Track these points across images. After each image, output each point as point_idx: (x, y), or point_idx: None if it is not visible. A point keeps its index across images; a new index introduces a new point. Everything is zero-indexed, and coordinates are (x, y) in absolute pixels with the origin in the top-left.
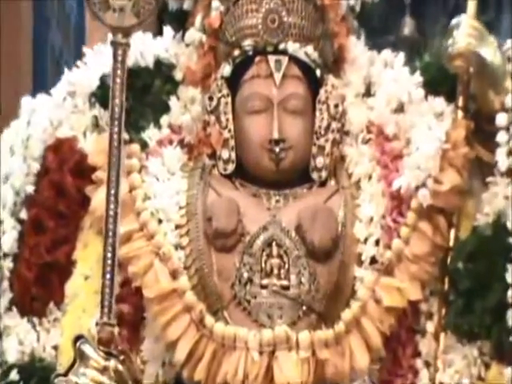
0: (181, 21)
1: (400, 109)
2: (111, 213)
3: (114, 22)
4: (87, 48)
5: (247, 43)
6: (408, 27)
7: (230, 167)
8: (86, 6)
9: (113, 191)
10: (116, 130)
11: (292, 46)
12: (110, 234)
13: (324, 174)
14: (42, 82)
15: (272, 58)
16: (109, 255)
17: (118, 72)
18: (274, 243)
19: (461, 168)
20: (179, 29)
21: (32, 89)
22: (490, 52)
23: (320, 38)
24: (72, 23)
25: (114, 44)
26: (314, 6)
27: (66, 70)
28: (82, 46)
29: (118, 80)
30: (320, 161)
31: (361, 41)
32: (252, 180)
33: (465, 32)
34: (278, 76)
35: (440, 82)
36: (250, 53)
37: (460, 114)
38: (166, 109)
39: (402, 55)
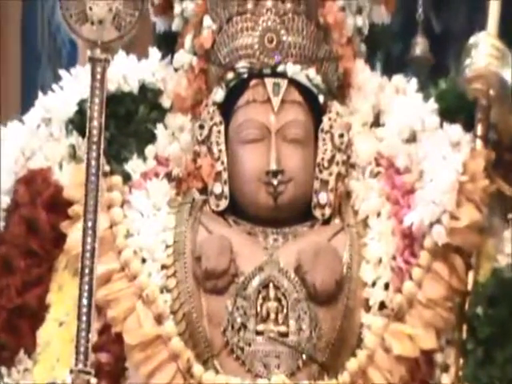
0: (169, 44)
1: (412, 138)
2: (88, 247)
3: (92, 36)
4: (72, 70)
5: (242, 65)
6: (420, 47)
7: (223, 203)
8: (61, 19)
9: (90, 224)
10: (94, 155)
11: (292, 68)
12: (87, 271)
13: (327, 211)
14: None
15: (269, 81)
16: (85, 295)
17: (97, 91)
18: (270, 285)
19: (479, 203)
20: (167, 53)
21: None
22: None
23: (323, 61)
24: (64, 59)
25: (92, 60)
26: (317, 25)
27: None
28: None
29: (97, 100)
30: (323, 197)
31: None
32: (247, 217)
33: (484, 51)
34: (276, 101)
35: (457, 110)
36: (245, 75)
37: (479, 143)
38: (152, 138)
39: (414, 81)
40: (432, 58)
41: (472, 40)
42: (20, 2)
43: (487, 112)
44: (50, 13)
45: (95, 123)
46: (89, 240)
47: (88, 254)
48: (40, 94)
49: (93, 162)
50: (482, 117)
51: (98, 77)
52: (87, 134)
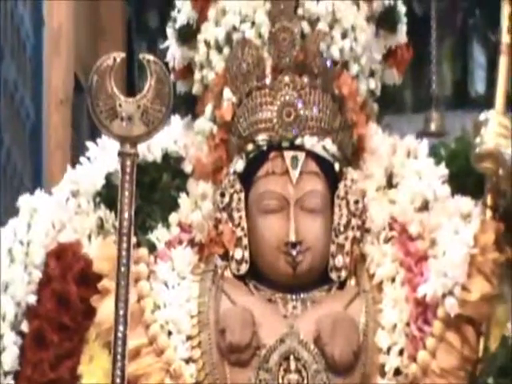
0: (189, 105)
1: (424, 206)
2: (120, 335)
3: (122, 132)
4: (98, 141)
5: (261, 138)
6: (435, 122)
7: (244, 267)
8: (92, 115)
9: (121, 312)
10: (125, 246)
11: (309, 141)
12: (119, 357)
13: (344, 273)
14: None
15: (288, 155)
16: (118, 381)
17: (126, 185)
18: (291, 357)
19: (490, 274)
20: (187, 113)
21: None
22: None
23: (339, 130)
24: (28, 53)
25: (122, 154)
26: (332, 97)
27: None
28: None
29: (127, 193)
30: (339, 260)
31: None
32: (267, 282)
33: (493, 131)
34: (294, 174)
35: (467, 174)
36: (265, 148)
37: (488, 213)
38: (175, 206)
39: (425, 142)
40: (446, 132)
41: (481, 117)
42: None
43: (497, 183)
44: (14, 5)
45: (126, 215)
46: (121, 328)
47: (120, 342)
48: (68, 167)
49: (123, 253)
50: (492, 188)
51: (128, 170)
52: (118, 224)
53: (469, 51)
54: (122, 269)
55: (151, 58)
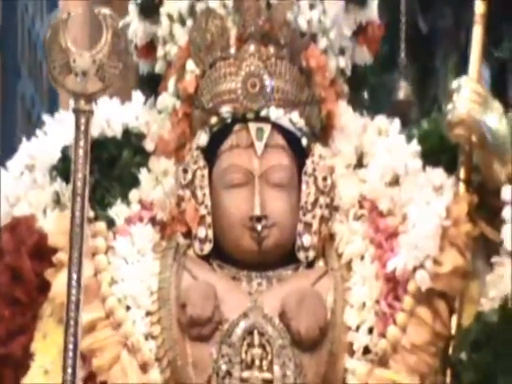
0: (152, 85)
1: (395, 182)
2: (73, 299)
3: (76, 87)
4: (55, 115)
5: (225, 110)
6: (403, 91)
7: (207, 247)
8: (47, 71)
9: (75, 275)
10: (79, 206)
11: (275, 113)
12: (72, 322)
13: (311, 253)
14: (11, 135)
15: (253, 126)
16: (70, 347)
17: (81, 142)
18: (255, 331)
19: (463, 247)
20: (150, 94)
21: (0, 142)
22: (494, 119)
23: (306, 104)
24: (45, 70)
25: (77, 111)
26: (300, 69)
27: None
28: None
29: (81, 151)
30: (307, 239)
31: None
32: (231, 261)
33: (466, 97)
34: (259, 146)
35: (440, 152)
36: (229, 120)
37: (462, 187)
38: (136, 183)
39: (397, 122)
40: (414, 101)
41: (454, 84)
42: None
43: (470, 156)
44: (31, 24)
45: (80, 175)
46: (74, 291)
47: (73, 304)
48: (24, 139)
49: (77, 213)
50: (465, 160)
51: (82, 128)
52: (71, 186)
53: None
54: (76, 229)
55: (107, 11)
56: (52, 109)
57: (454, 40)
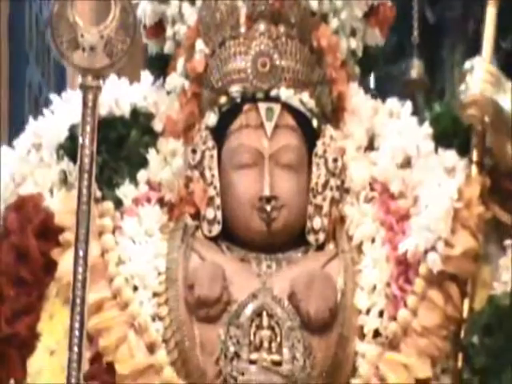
0: (161, 66)
1: (407, 163)
2: (79, 277)
3: (84, 63)
4: (63, 94)
5: (235, 89)
6: (416, 69)
7: (216, 228)
8: (53, 46)
9: (81, 254)
10: (85, 184)
11: (285, 93)
12: (78, 301)
13: (321, 236)
14: (19, 120)
15: (263, 106)
16: (76, 326)
17: (88, 119)
18: (264, 313)
19: (475, 230)
20: (159, 75)
21: (8, 127)
22: (508, 100)
23: (317, 84)
24: (52, 57)
25: (84, 87)
26: (310, 49)
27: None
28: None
29: (88, 128)
30: (317, 222)
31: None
32: (240, 243)
33: (479, 77)
34: (269, 126)
35: (452, 135)
36: (238, 100)
37: (474, 169)
38: (144, 163)
39: (409, 104)
40: (427, 81)
41: (467, 65)
42: (7, 0)
43: (483, 137)
44: (38, 11)
45: (87, 151)
46: (80, 269)
47: (79, 283)
48: (30, 118)
49: (84, 191)
50: (478, 142)
51: (90, 104)
52: (78, 162)
53: None
54: (83, 207)
55: None
56: (59, 95)
57: (462, 31)
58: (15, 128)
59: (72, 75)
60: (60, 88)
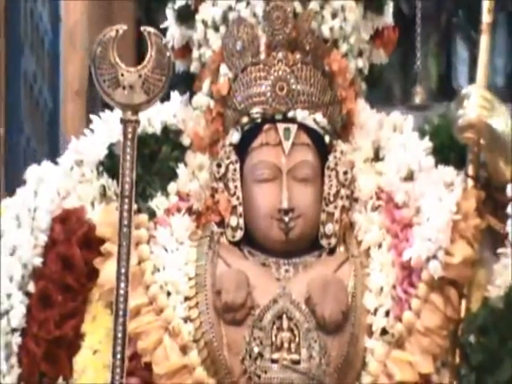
0: (187, 83)
1: (410, 177)
2: (121, 292)
3: (124, 100)
4: (101, 114)
5: (256, 111)
6: (419, 96)
7: (239, 234)
8: (96, 84)
9: (123, 271)
10: (126, 207)
11: (301, 114)
12: (121, 313)
13: (333, 240)
14: (15, 108)
15: (281, 126)
16: (119, 335)
17: (128, 150)
18: (284, 316)
19: (472, 239)
20: (185, 91)
21: (4, 112)
22: (501, 122)
23: (329, 105)
24: (46, 47)
25: (124, 122)
26: (323, 73)
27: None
28: (56, 71)
29: (128, 157)
30: (329, 228)
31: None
32: (260, 248)
33: (475, 103)
34: (287, 145)
35: (450, 148)
36: (259, 120)
37: (470, 183)
38: (174, 176)
39: (411, 119)
40: (431, 105)
41: (464, 91)
42: None
43: (477, 155)
44: (33, 4)
45: (127, 179)
46: (122, 284)
47: (121, 297)
48: (73, 138)
49: (125, 214)
50: (473, 159)
51: (129, 136)
52: (120, 187)
53: (452, 48)
54: (124, 229)
55: (151, 30)
56: (53, 84)
57: (435, 22)
58: (12, 113)
59: (64, 65)
60: (53, 76)
